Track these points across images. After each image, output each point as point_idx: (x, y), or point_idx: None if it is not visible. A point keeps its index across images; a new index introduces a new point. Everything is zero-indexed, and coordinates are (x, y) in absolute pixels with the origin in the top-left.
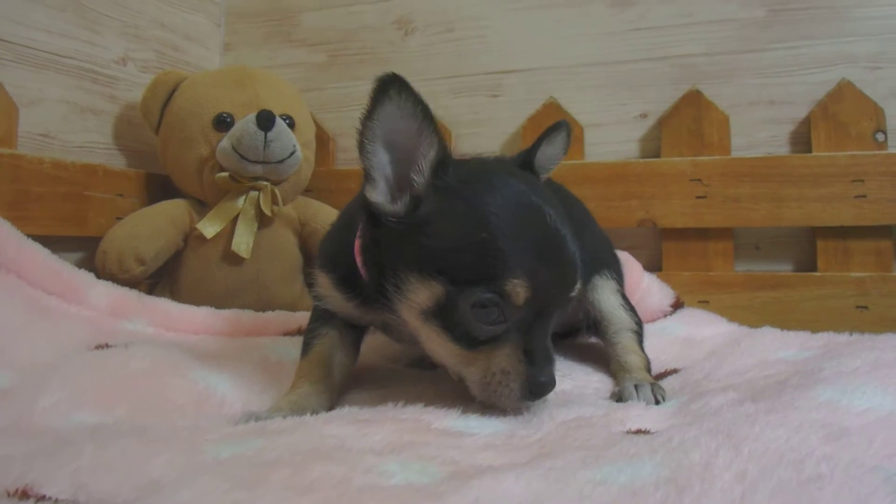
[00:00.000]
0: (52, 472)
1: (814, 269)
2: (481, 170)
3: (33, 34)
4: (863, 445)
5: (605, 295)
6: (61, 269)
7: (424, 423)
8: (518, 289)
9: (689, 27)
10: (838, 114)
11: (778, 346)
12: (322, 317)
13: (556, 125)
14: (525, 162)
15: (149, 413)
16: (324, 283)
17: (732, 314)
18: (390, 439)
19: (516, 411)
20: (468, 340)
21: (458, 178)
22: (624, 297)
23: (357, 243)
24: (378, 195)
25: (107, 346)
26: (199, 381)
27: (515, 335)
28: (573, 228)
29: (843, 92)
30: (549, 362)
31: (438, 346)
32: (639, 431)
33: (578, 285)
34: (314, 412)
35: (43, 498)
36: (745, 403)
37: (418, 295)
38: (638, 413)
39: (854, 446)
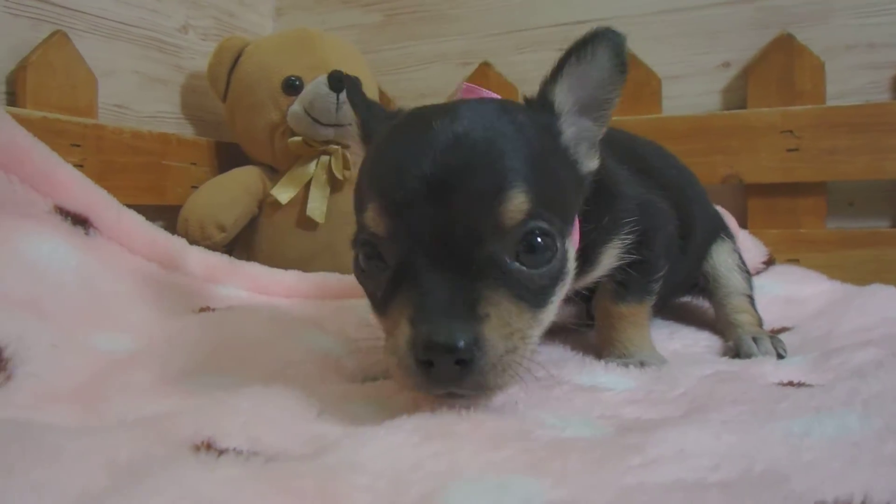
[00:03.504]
0: (226, 428)
1: None
2: (413, 109)
3: (103, 3)
4: None
5: (721, 257)
6: (157, 236)
7: (554, 380)
8: (371, 214)
9: None
10: None
11: None
12: None
13: (588, 35)
14: (536, 97)
15: (276, 376)
16: None
17: (825, 274)
18: (530, 395)
19: (431, 397)
20: (374, 301)
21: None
22: (740, 256)
23: None
24: None
25: (210, 308)
26: (313, 343)
27: (409, 285)
28: (512, 145)
29: None
30: (450, 315)
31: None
32: (791, 384)
33: (507, 200)
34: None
35: (226, 450)
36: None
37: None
38: (772, 368)
39: None
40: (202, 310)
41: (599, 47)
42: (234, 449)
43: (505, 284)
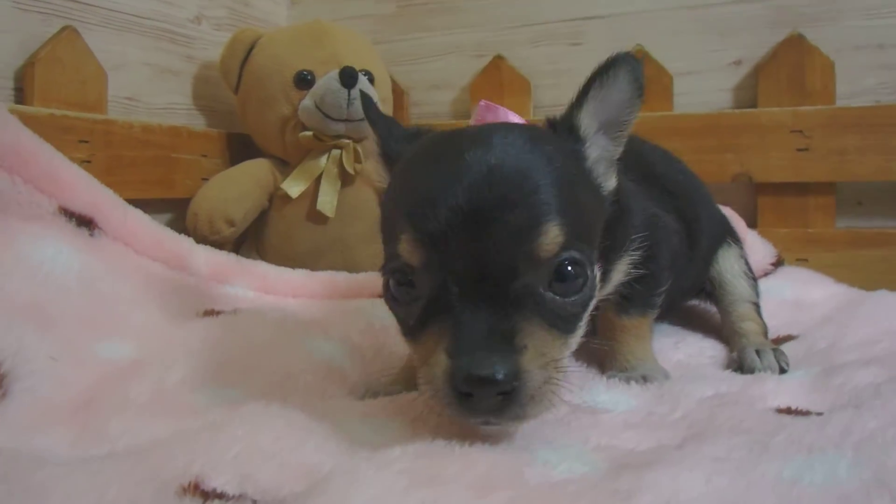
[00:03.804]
0: (216, 462)
1: None
2: (434, 133)
3: None
4: None
5: (728, 262)
6: (163, 236)
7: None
8: (405, 245)
9: None
10: None
11: None
12: None
13: (609, 61)
14: (561, 121)
15: (276, 389)
16: None
17: (834, 273)
18: None
19: (477, 425)
20: (405, 328)
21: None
22: (747, 262)
23: None
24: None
25: (214, 311)
26: (316, 352)
27: (444, 316)
28: (549, 180)
29: None
30: (489, 347)
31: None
32: (790, 410)
33: (543, 233)
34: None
35: (217, 494)
36: None
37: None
38: (773, 386)
39: None
40: (207, 313)
41: (620, 71)
42: (221, 493)
43: (539, 314)
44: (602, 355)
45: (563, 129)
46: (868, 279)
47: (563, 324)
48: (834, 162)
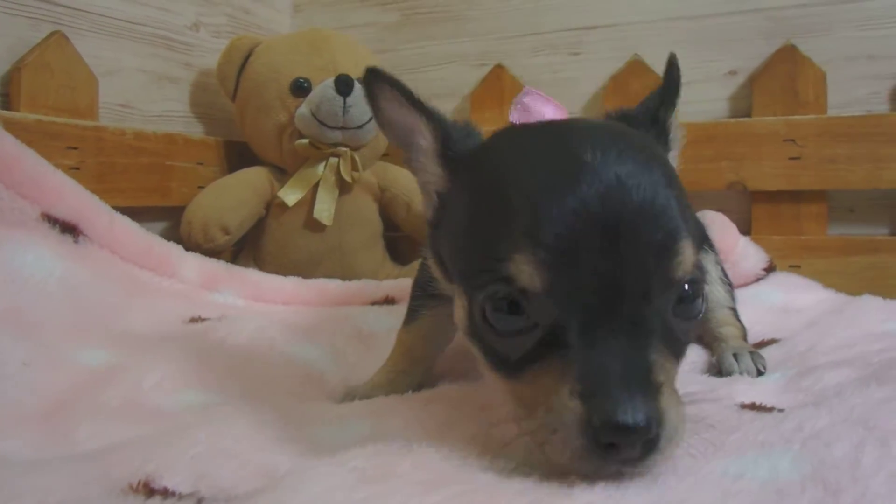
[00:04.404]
0: (172, 462)
1: None
2: (512, 130)
3: (108, 2)
4: None
5: (706, 268)
6: (152, 243)
7: None
8: (522, 266)
9: None
10: None
11: (884, 317)
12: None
13: (670, 61)
14: (652, 122)
15: (252, 393)
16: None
17: (825, 280)
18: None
19: (598, 477)
20: (502, 362)
21: (471, 150)
22: (722, 268)
23: None
24: (427, 207)
25: (200, 318)
26: (297, 356)
27: (565, 351)
28: (668, 188)
29: None
30: (630, 388)
31: (486, 376)
32: (754, 406)
33: (680, 252)
34: (414, 389)
35: (165, 491)
36: (871, 385)
37: (456, 310)
38: (746, 387)
39: None
40: (193, 320)
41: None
42: (170, 490)
43: (664, 341)
44: None
45: (655, 132)
46: (858, 285)
47: (679, 348)
48: (825, 170)
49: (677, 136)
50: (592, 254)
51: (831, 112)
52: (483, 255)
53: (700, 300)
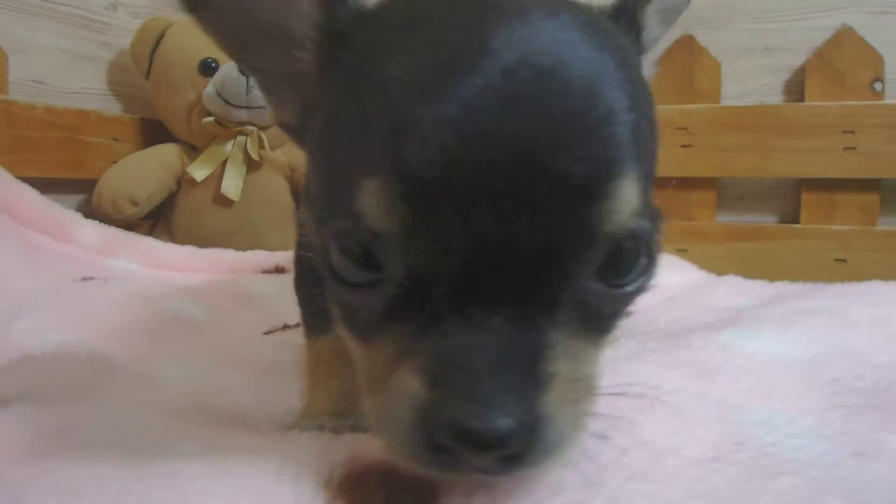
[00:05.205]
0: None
1: (797, 221)
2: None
3: None
4: (725, 384)
5: None
6: (50, 209)
7: None
8: (373, 199)
9: None
10: (835, 62)
11: (732, 294)
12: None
13: None
14: (622, 12)
15: (120, 337)
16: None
17: (711, 264)
18: None
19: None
20: (352, 321)
21: (357, 16)
22: None
23: None
24: (283, 112)
25: (91, 278)
26: (173, 306)
27: (422, 316)
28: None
29: (843, 38)
30: (498, 381)
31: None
32: None
33: (614, 193)
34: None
35: None
36: (649, 344)
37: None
38: None
39: (716, 386)
40: (83, 279)
41: None
42: None
43: (576, 313)
44: None
45: (625, 25)
46: (743, 271)
47: (601, 322)
48: (715, 159)
49: (656, 36)
50: (476, 187)
51: (727, 102)
52: (337, 175)
53: (646, 260)
